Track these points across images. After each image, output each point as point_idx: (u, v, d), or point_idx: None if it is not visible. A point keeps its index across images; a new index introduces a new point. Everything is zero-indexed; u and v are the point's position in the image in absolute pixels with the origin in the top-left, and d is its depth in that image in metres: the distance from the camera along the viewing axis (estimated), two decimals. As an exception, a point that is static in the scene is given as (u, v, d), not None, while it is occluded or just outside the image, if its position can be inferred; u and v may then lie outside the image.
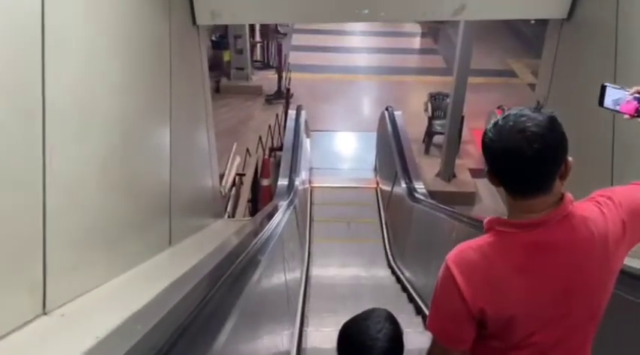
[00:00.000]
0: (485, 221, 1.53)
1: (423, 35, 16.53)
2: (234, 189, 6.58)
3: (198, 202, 3.49)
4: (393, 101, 9.27)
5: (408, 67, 14.29)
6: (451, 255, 1.53)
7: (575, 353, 1.61)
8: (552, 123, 1.38)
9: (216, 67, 13.36)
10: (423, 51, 15.44)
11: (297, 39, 15.60)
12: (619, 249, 1.52)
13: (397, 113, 8.82)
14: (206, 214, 3.81)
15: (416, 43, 16.11)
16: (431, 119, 10.01)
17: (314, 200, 8.76)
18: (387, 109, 9.01)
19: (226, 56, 12.92)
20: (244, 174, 6.62)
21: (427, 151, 9.95)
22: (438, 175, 9.00)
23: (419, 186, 6.83)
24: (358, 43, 15.88)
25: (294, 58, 13.89)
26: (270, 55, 13.63)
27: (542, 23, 16.62)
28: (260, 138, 8.49)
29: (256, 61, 13.71)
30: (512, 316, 1.48)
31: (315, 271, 6.89)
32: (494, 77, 13.13)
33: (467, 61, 8.34)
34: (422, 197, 6.51)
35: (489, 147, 1.41)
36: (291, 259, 5.20)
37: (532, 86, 12.95)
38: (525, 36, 16.50)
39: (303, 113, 9.23)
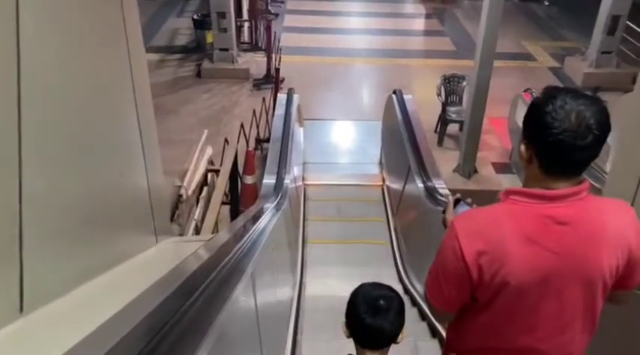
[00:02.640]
0: (504, 190, 1.58)
1: (428, 16, 15.09)
2: (205, 189, 5.14)
3: (111, 217, 2.07)
4: (397, 86, 7.87)
5: (412, 50, 12.83)
6: (457, 217, 1.63)
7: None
8: (607, 112, 1.41)
9: (199, 49, 11.97)
10: (428, 32, 13.99)
11: (289, 20, 14.15)
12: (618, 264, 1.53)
13: (407, 97, 7.38)
14: (134, 234, 2.39)
15: (420, 24, 14.67)
16: (445, 105, 8.58)
17: (308, 201, 7.33)
18: (394, 93, 7.58)
19: (209, 37, 11.45)
20: (218, 170, 5.18)
21: (440, 143, 8.52)
22: (455, 170, 7.59)
23: (440, 186, 5.42)
24: (357, 24, 14.43)
25: (286, 40, 12.43)
26: (259, 35, 12.15)
27: (556, 4, 15.23)
28: (242, 125, 7.03)
29: (243, 43, 12.24)
30: (506, 283, 1.50)
31: (310, 288, 5.53)
32: (509, 60, 11.71)
33: (493, 36, 6.93)
34: (445, 199, 5.10)
35: (550, 125, 1.40)
36: (274, 286, 3.80)
37: (553, 69, 11.62)
38: (539, 18, 15.15)
39: (295, 98, 7.77)
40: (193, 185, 4.38)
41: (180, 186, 4.14)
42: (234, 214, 6.07)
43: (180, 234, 4.31)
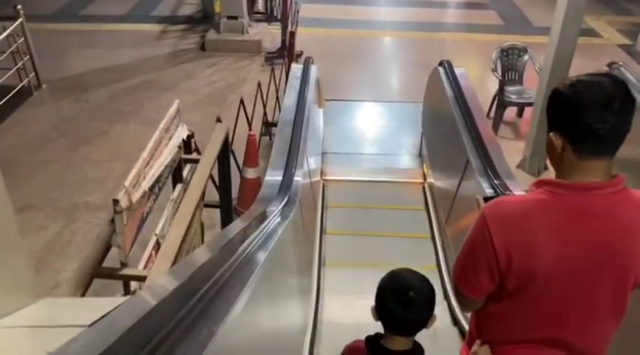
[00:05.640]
0: (535, 181, 1.57)
1: (469, -12, 13.25)
2: (178, 187, 3.55)
3: None
4: (436, 62, 6.21)
5: (452, 23, 11.06)
6: (488, 205, 1.59)
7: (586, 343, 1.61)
8: (625, 83, 1.45)
9: (206, 19, 10.38)
10: (469, 5, 12.15)
11: (311, -10, 12.44)
12: None
13: (460, 71, 5.66)
14: None
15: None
16: (502, 84, 6.84)
17: (327, 203, 5.71)
18: (441, 65, 5.87)
19: (217, 6, 9.84)
20: (197, 160, 3.56)
21: (495, 130, 6.76)
22: (519, 166, 5.90)
23: (517, 190, 3.74)
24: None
25: (306, 11, 10.74)
26: (275, 4, 10.49)
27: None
28: (242, 102, 5.38)
29: (257, 13, 10.60)
30: (535, 273, 1.49)
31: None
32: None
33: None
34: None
35: (575, 101, 1.42)
36: None
37: (623, 47, 9.77)
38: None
39: (313, 69, 6.11)
40: (146, 183, 2.77)
41: (124, 188, 2.54)
42: (227, 219, 4.48)
43: (122, 263, 2.72)
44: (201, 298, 1.60)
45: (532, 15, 11.24)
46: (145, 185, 2.76)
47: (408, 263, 4.68)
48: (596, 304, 1.55)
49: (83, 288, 2.61)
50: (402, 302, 1.73)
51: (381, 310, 1.78)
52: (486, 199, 1.85)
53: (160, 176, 2.99)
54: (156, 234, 3.14)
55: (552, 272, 1.49)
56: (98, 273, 2.68)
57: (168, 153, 3.09)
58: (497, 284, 1.57)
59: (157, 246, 3.13)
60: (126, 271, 2.68)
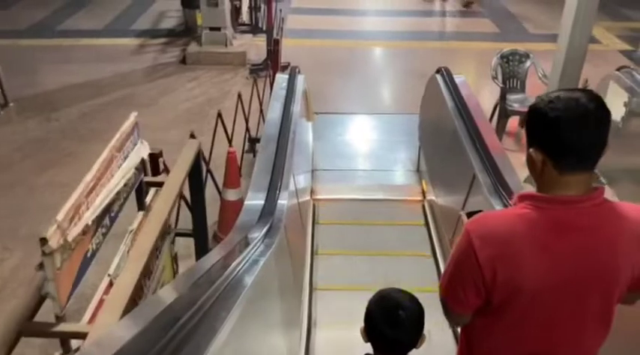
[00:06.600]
0: (516, 195, 1.58)
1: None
2: (139, 216, 3.01)
3: None
4: (431, 72, 5.75)
5: (445, 32, 10.65)
6: (471, 221, 1.58)
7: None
8: (601, 98, 1.46)
9: (188, 32, 9.92)
10: (463, 13, 11.74)
11: (298, 0, 12.01)
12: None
13: (459, 79, 5.18)
14: None
15: (452, 5, 12.44)
16: (504, 92, 6.36)
17: (317, 224, 5.16)
18: (439, 73, 5.38)
19: (199, 18, 9.40)
20: (160, 184, 3.02)
21: (498, 142, 6.29)
22: (527, 181, 5.39)
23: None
24: (379, 5, 12.26)
25: (294, 22, 10.36)
26: (260, 15, 10.04)
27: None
28: (220, 115, 4.84)
29: (242, 25, 10.14)
30: (520, 287, 1.50)
31: None
32: (566, 44, 9.47)
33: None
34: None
35: (553, 116, 1.43)
36: None
37: (625, 53, 9.39)
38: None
39: (300, 79, 5.59)
40: (90, 214, 2.23)
41: (55, 223, 2.00)
42: (202, 248, 3.92)
43: (57, 317, 2.17)
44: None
45: (527, 22, 10.86)
46: (89, 217, 2.21)
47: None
48: (582, 317, 1.55)
49: (7, 349, 2.06)
50: (391, 321, 1.73)
51: (370, 331, 1.78)
52: (469, 214, 1.80)
53: (110, 204, 2.45)
54: (109, 275, 2.59)
55: (538, 286, 1.49)
56: (27, 330, 2.12)
57: (121, 175, 2.55)
58: (483, 299, 1.57)
59: (109, 286, 2.58)
60: (62, 327, 2.13)
